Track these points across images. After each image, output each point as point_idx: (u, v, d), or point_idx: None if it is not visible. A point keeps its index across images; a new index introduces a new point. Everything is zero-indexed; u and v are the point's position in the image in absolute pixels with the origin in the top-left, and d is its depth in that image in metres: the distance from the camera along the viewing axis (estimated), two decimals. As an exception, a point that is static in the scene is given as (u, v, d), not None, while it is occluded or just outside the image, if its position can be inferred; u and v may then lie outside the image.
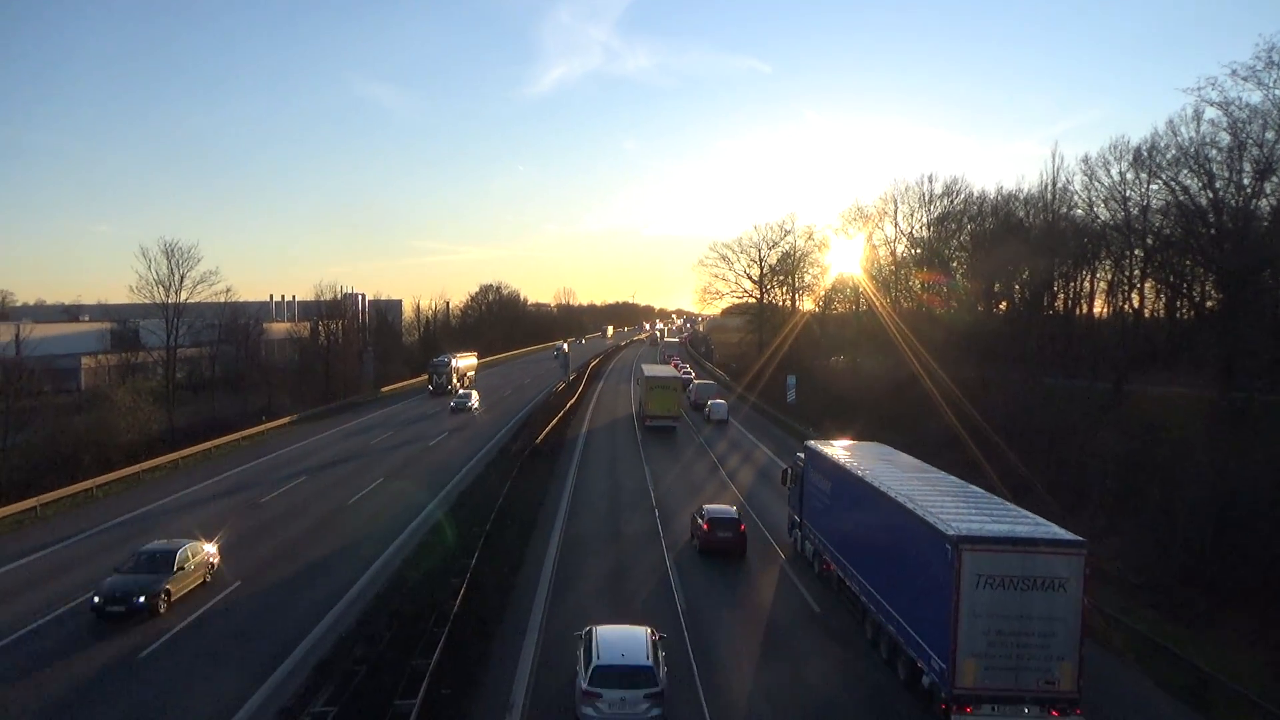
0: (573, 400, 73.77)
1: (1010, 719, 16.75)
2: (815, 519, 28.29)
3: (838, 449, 28.98)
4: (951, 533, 17.09)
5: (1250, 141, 47.18)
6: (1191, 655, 20.74)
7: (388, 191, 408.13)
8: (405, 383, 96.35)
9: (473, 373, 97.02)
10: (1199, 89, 64.35)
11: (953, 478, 24.20)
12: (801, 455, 30.83)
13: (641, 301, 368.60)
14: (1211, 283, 55.40)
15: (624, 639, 17.92)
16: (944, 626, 16.92)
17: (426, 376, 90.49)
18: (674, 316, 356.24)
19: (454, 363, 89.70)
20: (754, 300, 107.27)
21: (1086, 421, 45.35)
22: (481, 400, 75.32)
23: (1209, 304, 57.57)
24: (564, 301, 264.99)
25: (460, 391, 77.33)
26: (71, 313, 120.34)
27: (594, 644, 17.48)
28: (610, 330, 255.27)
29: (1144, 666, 21.25)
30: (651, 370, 73.66)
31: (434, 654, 18.26)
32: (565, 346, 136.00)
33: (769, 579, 28.19)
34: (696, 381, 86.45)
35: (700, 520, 30.61)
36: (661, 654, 17.95)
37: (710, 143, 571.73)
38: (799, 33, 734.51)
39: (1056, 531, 17.73)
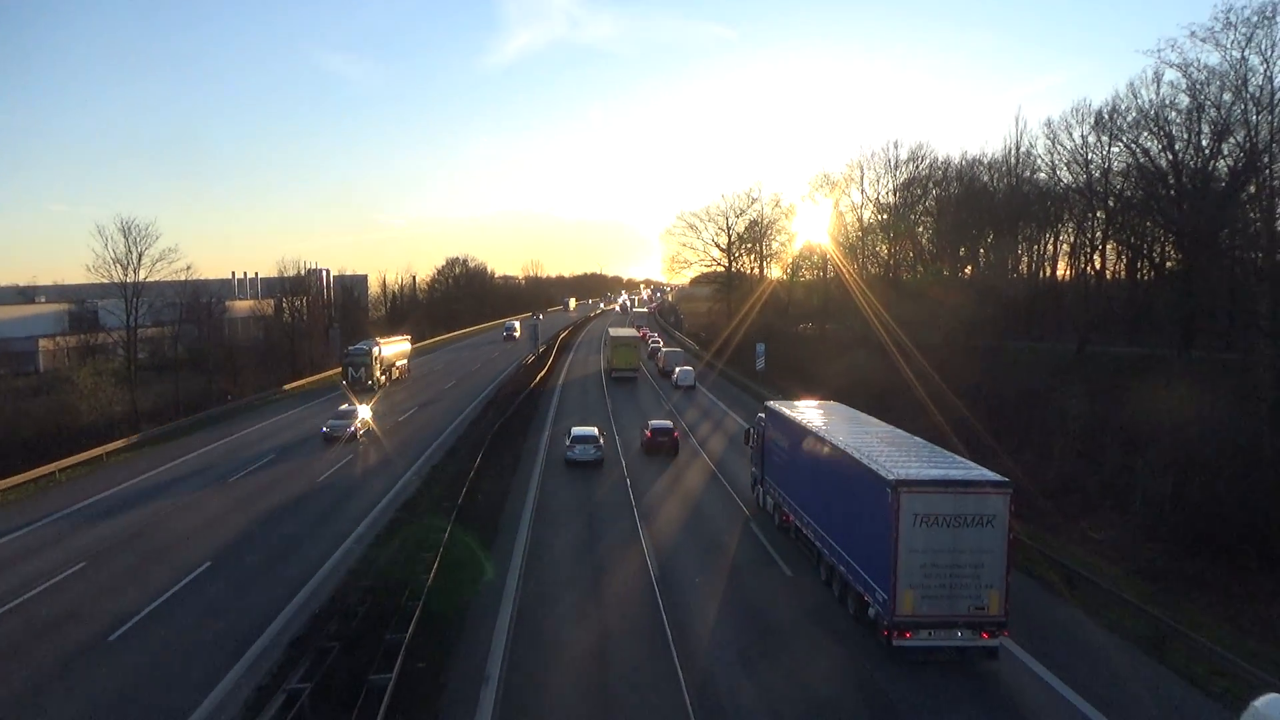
0: (543, 373, 73.68)
1: (945, 642, 18.62)
2: (775, 474, 29.76)
3: (795, 408, 30.49)
4: (890, 477, 18.68)
5: (1209, 103, 47.85)
6: (1150, 607, 21.20)
7: (350, 164, 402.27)
8: (326, 374, 76.17)
9: (404, 361, 77.31)
10: (1159, 51, 65.38)
11: (898, 430, 25.89)
12: (762, 415, 32.20)
13: (610, 272, 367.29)
14: (1171, 244, 56.34)
15: (585, 429, 41.02)
16: (885, 562, 18.61)
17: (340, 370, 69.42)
18: (642, 286, 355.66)
19: (378, 350, 68.43)
20: (722, 269, 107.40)
21: (1050, 383, 46.10)
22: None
23: (1169, 265, 58.57)
24: (532, 274, 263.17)
25: (343, 409, 49.97)
26: (27, 294, 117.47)
27: (571, 431, 40.37)
28: (573, 302, 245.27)
29: (1104, 619, 21.67)
30: (616, 332, 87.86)
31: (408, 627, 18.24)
32: (517, 326, 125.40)
33: (733, 536, 29.03)
34: (664, 349, 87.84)
35: (645, 430, 43.54)
36: (601, 438, 40.40)
37: (676, 111, 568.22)
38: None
39: (985, 474, 19.60)
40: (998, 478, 19.17)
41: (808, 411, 29.49)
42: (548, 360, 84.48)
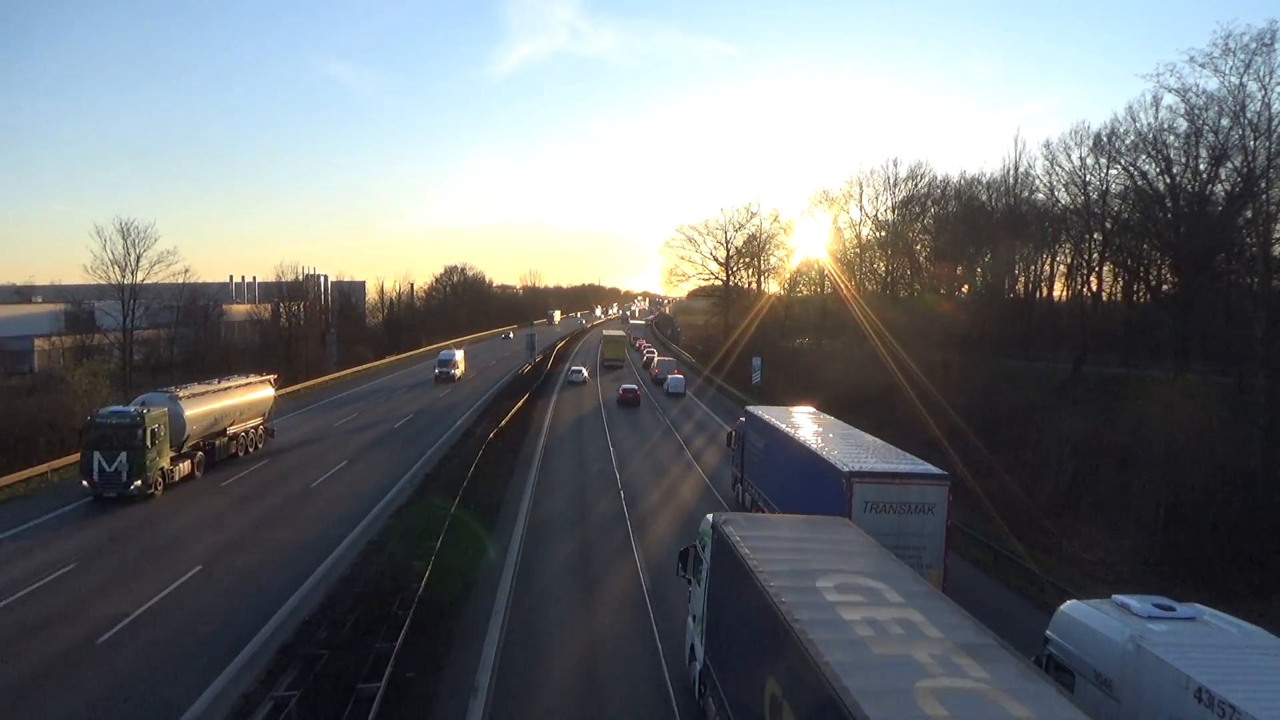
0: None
1: None
2: (752, 472, 32.16)
3: (770, 412, 32.85)
4: (845, 469, 21.14)
5: (1207, 128, 48.11)
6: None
7: (351, 170, 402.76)
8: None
9: (258, 421, 43.97)
10: (1158, 75, 65.68)
11: (859, 431, 28.60)
12: (743, 419, 34.66)
13: (608, 284, 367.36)
14: (1168, 266, 56.55)
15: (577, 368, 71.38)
16: None
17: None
18: (639, 299, 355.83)
19: (161, 415, 34.23)
20: (720, 282, 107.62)
21: (1045, 403, 46.20)
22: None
23: (1165, 287, 58.76)
24: (530, 283, 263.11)
25: None
26: (24, 294, 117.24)
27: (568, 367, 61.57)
28: (557, 316, 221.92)
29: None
30: (608, 331, 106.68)
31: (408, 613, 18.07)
32: (458, 358, 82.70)
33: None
34: (658, 358, 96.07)
35: (618, 391, 66.00)
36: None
37: (676, 124, 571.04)
38: (765, 16, 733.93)
39: (928, 468, 21.97)
40: (938, 471, 21.51)
41: (782, 415, 31.96)
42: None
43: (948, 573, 20.78)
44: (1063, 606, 14.37)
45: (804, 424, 29.58)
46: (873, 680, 9.08)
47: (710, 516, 16.74)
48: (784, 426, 28.48)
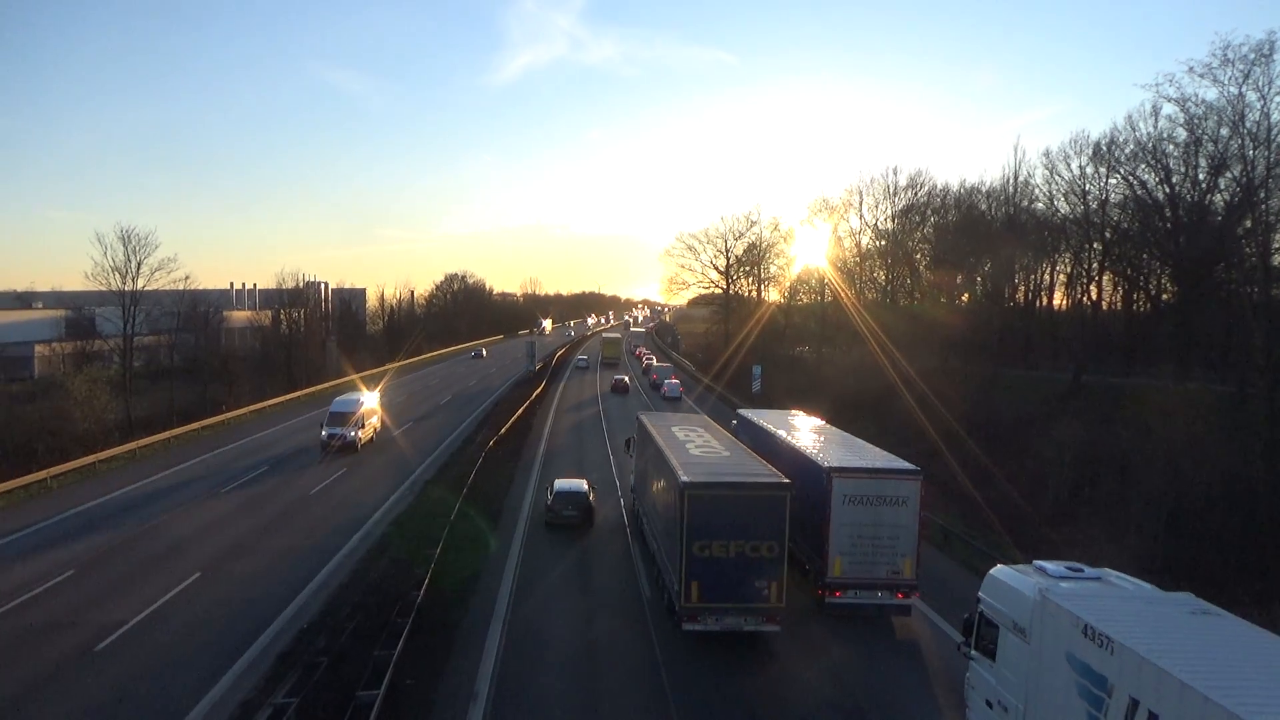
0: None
1: (867, 601, 22.49)
2: None
3: (760, 414, 35.21)
4: (826, 465, 22.81)
5: (1206, 137, 48.22)
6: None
7: (352, 179, 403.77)
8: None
9: None
10: (1157, 85, 65.77)
11: (840, 431, 30.81)
12: (735, 422, 36.31)
13: (608, 291, 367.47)
14: (1167, 276, 56.63)
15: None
16: (821, 535, 22.52)
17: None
18: (640, 306, 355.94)
19: None
20: (720, 291, 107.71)
21: (1045, 411, 46.17)
22: None
23: (1165, 296, 58.82)
24: (530, 291, 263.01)
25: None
26: (25, 300, 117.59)
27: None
28: (548, 325, 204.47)
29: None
30: (607, 334, 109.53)
31: (412, 612, 18.09)
32: (359, 405, 49.54)
33: None
34: (656, 364, 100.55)
35: (612, 380, 78.86)
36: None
37: (676, 133, 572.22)
38: (765, 25, 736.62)
39: (901, 463, 23.57)
40: (911, 466, 23.06)
41: (771, 417, 34.39)
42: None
43: (920, 561, 22.37)
44: (991, 571, 16.20)
45: (790, 425, 31.50)
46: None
47: (639, 414, 32.77)
48: (771, 427, 30.31)
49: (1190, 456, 32.80)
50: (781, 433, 29.22)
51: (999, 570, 16.02)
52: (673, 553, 20.92)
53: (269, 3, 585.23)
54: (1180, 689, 10.41)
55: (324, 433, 46.49)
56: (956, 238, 75.90)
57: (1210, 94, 67.68)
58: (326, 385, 77.97)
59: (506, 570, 26.41)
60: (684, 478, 20.48)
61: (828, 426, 32.12)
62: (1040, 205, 71.59)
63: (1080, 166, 62.97)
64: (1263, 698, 9.99)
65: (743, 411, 36.78)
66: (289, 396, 69.59)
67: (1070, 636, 12.79)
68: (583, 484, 33.23)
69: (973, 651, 16.00)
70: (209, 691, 17.91)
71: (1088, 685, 12.30)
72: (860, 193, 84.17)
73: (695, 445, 25.75)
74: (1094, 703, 12.10)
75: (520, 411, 60.55)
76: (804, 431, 30.03)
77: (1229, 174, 48.45)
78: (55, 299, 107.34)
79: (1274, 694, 10.20)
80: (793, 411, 37.35)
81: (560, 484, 33.14)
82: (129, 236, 64.93)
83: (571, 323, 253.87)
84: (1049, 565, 15.41)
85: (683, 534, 19.84)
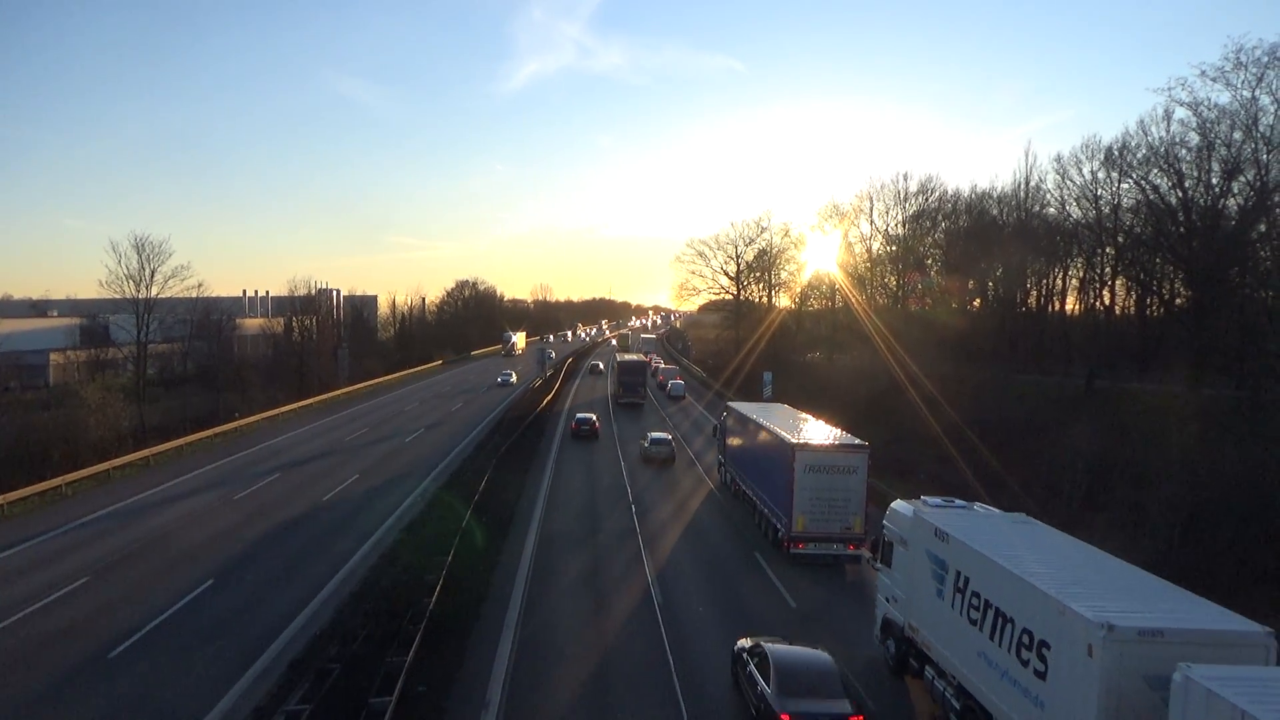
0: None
1: (825, 551, 27.86)
2: (730, 453, 39.55)
3: (745, 405, 40.95)
4: (790, 441, 28.35)
5: (1219, 141, 47.96)
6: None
7: (363, 187, 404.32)
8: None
9: None
10: (1169, 89, 65.76)
11: (809, 416, 36.03)
12: (725, 413, 41.54)
13: (619, 298, 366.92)
14: (1181, 281, 56.20)
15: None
16: (787, 498, 27.83)
17: None
18: (650, 312, 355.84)
19: None
20: (731, 297, 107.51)
21: (1058, 417, 45.87)
22: None
23: (1178, 301, 58.40)
24: (541, 297, 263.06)
25: None
26: (40, 308, 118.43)
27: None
28: (520, 341, 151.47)
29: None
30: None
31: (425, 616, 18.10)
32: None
33: (698, 499, 38.77)
34: (662, 366, 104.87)
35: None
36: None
37: (686, 140, 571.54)
38: (774, 32, 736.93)
39: (852, 439, 29.01)
40: (859, 442, 28.56)
41: (752, 408, 39.65)
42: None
43: (868, 519, 27.31)
44: (891, 504, 20.97)
45: (767, 413, 37.16)
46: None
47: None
48: (753, 415, 35.82)
49: (1206, 463, 32.53)
50: (759, 418, 34.62)
51: (896, 503, 20.80)
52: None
53: (282, 13, 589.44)
54: (981, 559, 15.60)
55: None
56: (968, 243, 75.62)
57: (1223, 98, 67.43)
58: (338, 393, 78.26)
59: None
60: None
61: (798, 413, 37.54)
62: (1052, 210, 71.37)
63: (1092, 171, 62.81)
64: (1037, 566, 14.62)
65: (730, 403, 42.71)
66: (301, 404, 69.83)
67: (928, 539, 17.86)
68: None
69: (877, 564, 21.05)
70: (222, 698, 17.96)
71: (935, 568, 17.41)
72: (871, 198, 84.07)
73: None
74: (939, 580, 17.20)
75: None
76: (778, 416, 35.76)
77: (1242, 178, 48.15)
78: (70, 307, 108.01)
79: (1047, 563, 14.90)
80: (775, 405, 44.81)
81: None
82: (143, 244, 65.64)
83: (552, 336, 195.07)
84: (930, 499, 21.01)
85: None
